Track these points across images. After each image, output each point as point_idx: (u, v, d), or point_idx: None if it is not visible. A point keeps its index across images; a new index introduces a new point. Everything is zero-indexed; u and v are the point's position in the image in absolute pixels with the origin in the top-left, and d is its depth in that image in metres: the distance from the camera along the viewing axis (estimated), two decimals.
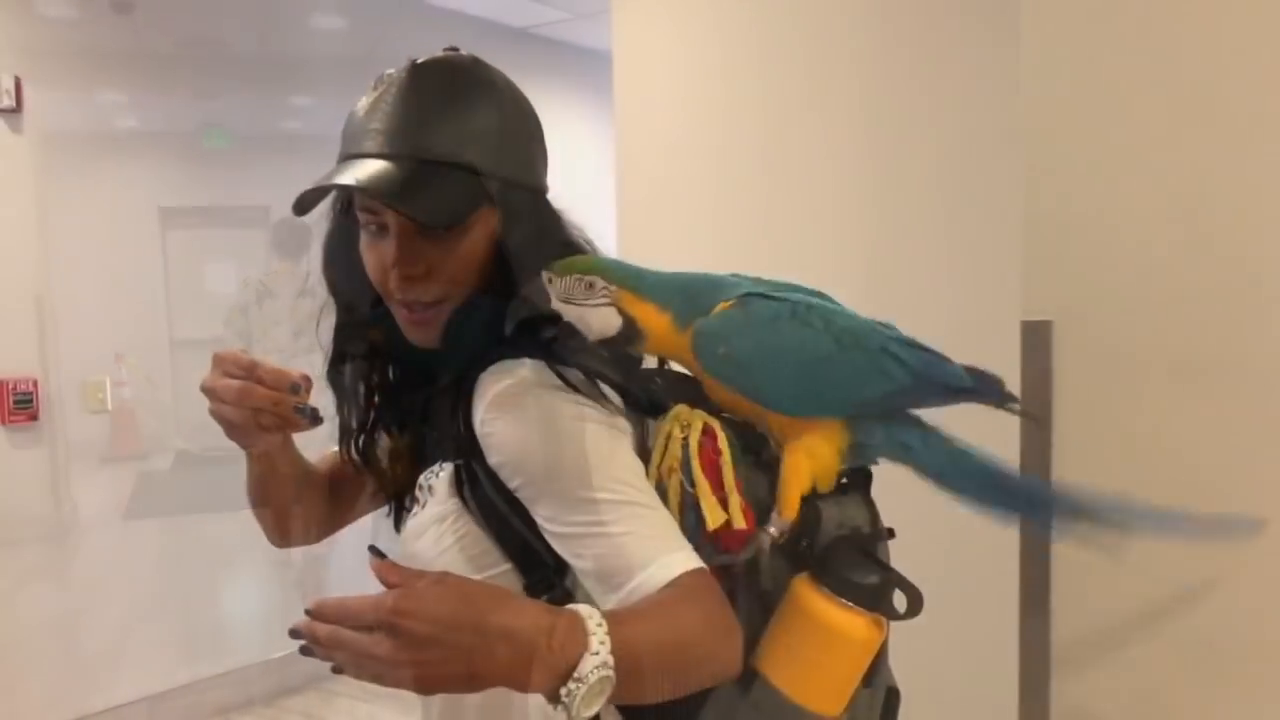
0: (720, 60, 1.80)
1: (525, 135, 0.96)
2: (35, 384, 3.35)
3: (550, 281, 0.91)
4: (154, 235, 3.68)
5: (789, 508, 0.91)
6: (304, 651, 0.71)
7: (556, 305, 0.90)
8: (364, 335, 1.01)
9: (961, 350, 1.55)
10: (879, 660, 0.94)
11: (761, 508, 0.92)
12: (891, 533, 0.97)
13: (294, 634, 0.70)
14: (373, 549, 0.73)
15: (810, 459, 0.93)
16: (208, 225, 3.85)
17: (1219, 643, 1.13)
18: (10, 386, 3.29)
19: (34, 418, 3.36)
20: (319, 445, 1.17)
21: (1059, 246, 1.20)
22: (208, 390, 0.92)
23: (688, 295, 0.94)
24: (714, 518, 0.87)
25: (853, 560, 0.90)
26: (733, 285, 0.96)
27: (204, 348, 3.73)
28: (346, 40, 4.23)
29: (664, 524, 0.86)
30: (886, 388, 0.94)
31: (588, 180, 4.31)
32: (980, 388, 1.00)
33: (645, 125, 1.90)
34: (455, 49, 0.96)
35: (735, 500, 0.88)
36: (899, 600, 0.91)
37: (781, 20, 1.72)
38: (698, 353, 0.92)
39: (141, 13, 3.60)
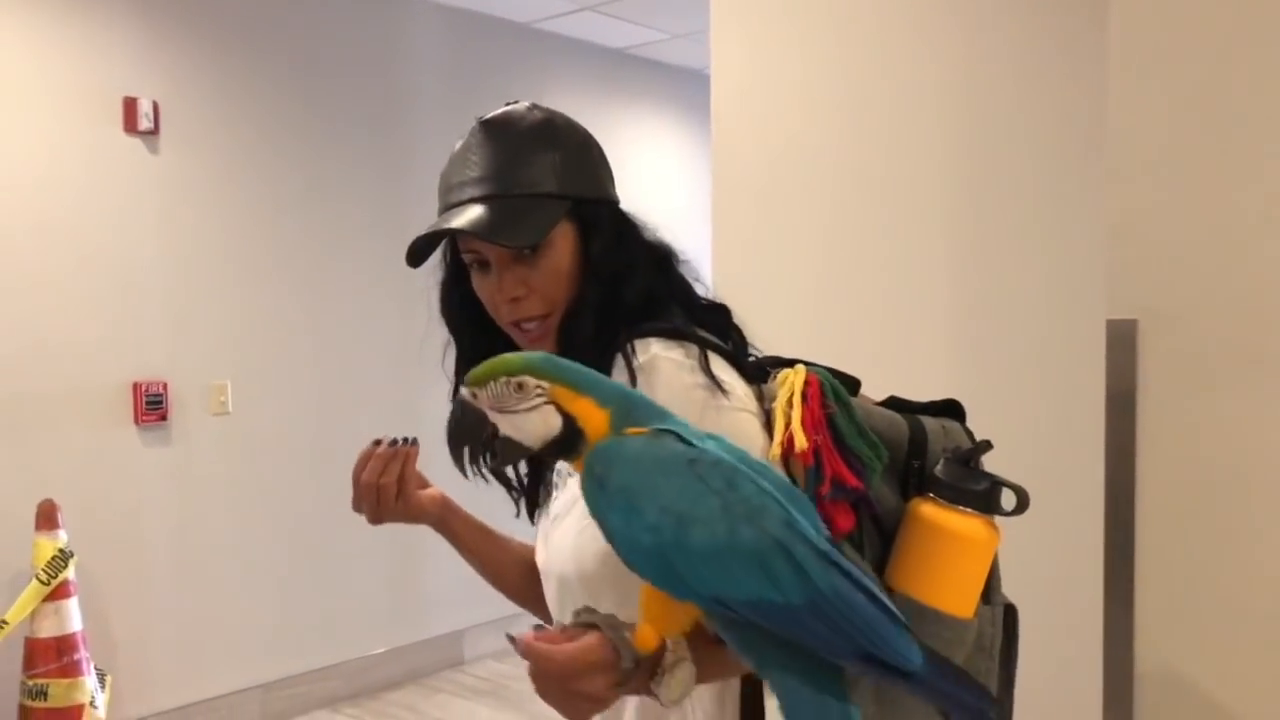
0: (817, 77, 1.86)
1: (586, 157, 1.09)
2: (165, 386, 3.59)
3: (474, 396, 0.84)
4: (277, 249, 3.90)
5: (642, 644, 0.84)
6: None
7: (492, 416, 0.83)
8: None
9: (1047, 348, 1.56)
10: (994, 576, 1.00)
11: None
12: (989, 444, 1.00)
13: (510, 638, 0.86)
14: (509, 636, 0.85)
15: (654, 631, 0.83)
16: (328, 240, 4.06)
17: None
18: (143, 388, 3.54)
19: (164, 418, 3.60)
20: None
21: (1144, 245, 1.22)
22: (355, 508, 1.17)
23: (628, 401, 0.86)
24: (780, 436, 0.94)
25: (961, 472, 0.96)
26: (669, 417, 0.86)
27: (318, 357, 3.87)
28: (453, 63, 4.43)
29: None
30: (762, 594, 0.77)
31: (683, 197, 4.41)
32: (931, 679, 0.80)
33: (742, 142, 1.96)
34: (515, 101, 1.13)
35: (798, 429, 0.94)
36: (1008, 500, 0.97)
37: (876, 36, 1.77)
38: (585, 470, 0.83)
39: (271, 38, 3.84)
